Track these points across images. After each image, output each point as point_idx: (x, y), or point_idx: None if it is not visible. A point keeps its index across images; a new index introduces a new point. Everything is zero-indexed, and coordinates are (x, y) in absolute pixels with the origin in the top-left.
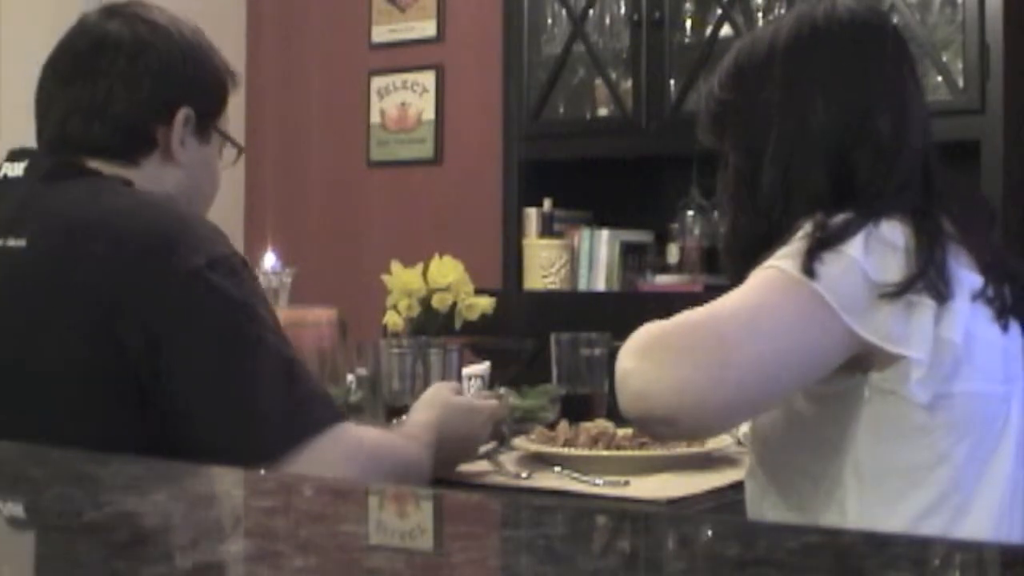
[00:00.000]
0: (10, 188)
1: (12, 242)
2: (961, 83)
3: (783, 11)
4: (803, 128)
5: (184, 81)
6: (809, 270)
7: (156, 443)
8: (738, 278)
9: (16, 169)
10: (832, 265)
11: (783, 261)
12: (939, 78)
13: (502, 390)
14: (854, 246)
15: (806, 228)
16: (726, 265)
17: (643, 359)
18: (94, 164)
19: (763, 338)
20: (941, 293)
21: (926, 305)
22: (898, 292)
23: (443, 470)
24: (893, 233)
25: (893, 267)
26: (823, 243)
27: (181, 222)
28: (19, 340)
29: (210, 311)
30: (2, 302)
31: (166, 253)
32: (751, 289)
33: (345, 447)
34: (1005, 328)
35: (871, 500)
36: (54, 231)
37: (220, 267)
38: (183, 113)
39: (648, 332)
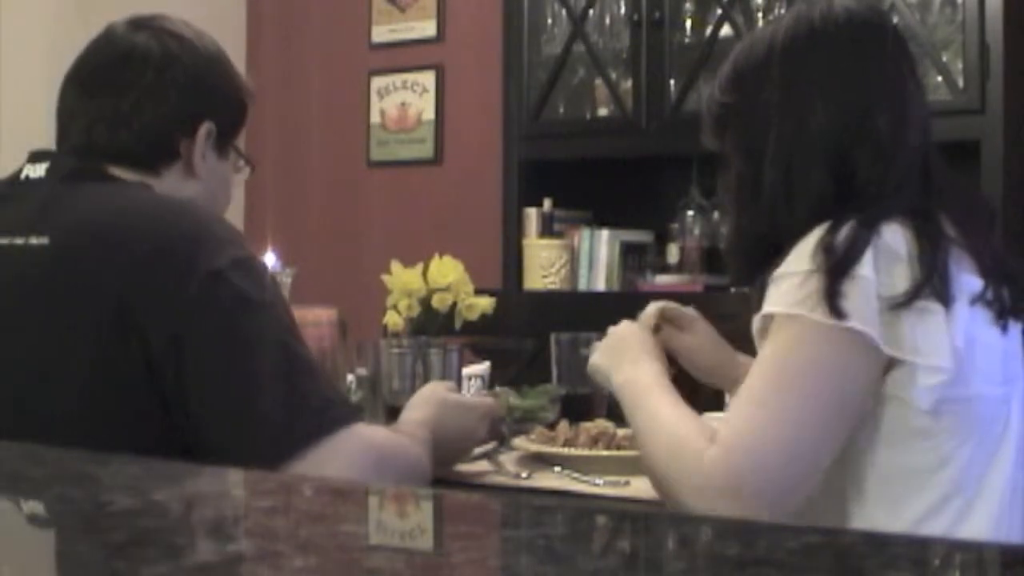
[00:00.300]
0: (32, 188)
1: (35, 240)
2: (961, 83)
3: (783, 11)
4: (802, 129)
5: (209, 96)
6: (837, 310)
7: (167, 445)
8: (742, 280)
9: (38, 170)
10: (854, 297)
11: (809, 310)
12: (939, 78)
13: (498, 389)
14: (865, 266)
15: (815, 256)
16: (730, 267)
17: (726, 503)
18: (116, 171)
19: (816, 412)
20: (945, 298)
21: (935, 311)
22: (905, 301)
23: (439, 468)
24: (896, 240)
25: (899, 277)
26: (836, 272)
27: (202, 223)
28: (41, 337)
29: (231, 312)
30: (25, 299)
31: (188, 254)
32: (787, 361)
33: (356, 448)
34: (1004, 329)
35: (873, 504)
36: (77, 230)
37: (241, 268)
38: (206, 127)
39: (723, 480)
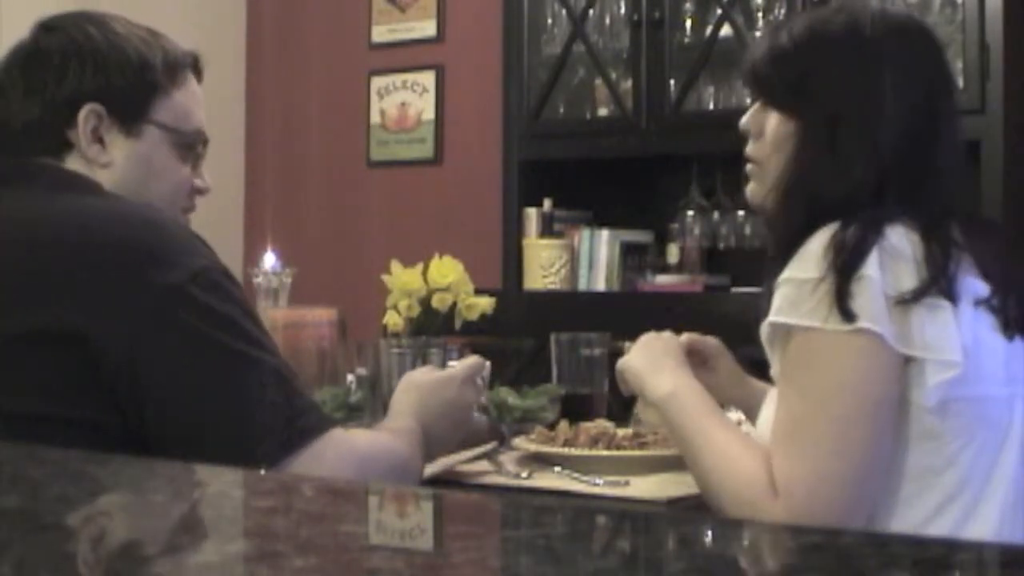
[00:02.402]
0: None
1: None
2: (961, 83)
3: (783, 11)
4: (872, 119)
5: (81, 78)
6: (847, 313)
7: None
8: (782, 247)
9: None
10: (861, 296)
11: (823, 320)
12: None
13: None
14: (870, 266)
15: (823, 260)
16: (779, 218)
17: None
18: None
19: (860, 429)
20: (951, 297)
21: (944, 307)
22: (913, 298)
23: (449, 444)
24: (901, 241)
25: (904, 276)
26: (844, 274)
27: (157, 233)
28: None
29: (193, 329)
30: None
31: (144, 268)
32: (816, 385)
33: (336, 453)
34: (1010, 339)
35: (877, 504)
36: (16, 242)
37: (201, 281)
38: (86, 110)
39: (778, 510)
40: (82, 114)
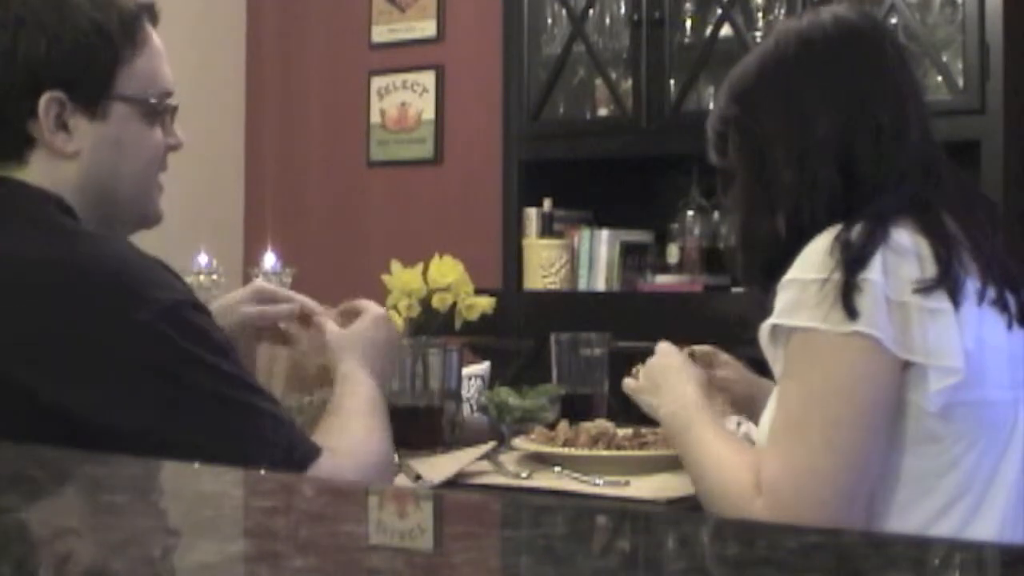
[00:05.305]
0: None
1: None
2: (961, 83)
3: (783, 11)
4: (807, 132)
5: (32, 66)
6: (850, 311)
7: None
8: (759, 286)
9: None
10: (864, 301)
11: (822, 320)
12: (939, 78)
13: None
14: (874, 269)
15: (826, 263)
16: (745, 274)
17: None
18: None
19: (853, 432)
20: (955, 299)
21: (946, 311)
22: (915, 302)
23: (390, 377)
24: (906, 241)
25: (908, 279)
26: (846, 277)
27: (125, 267)
28: None
29: (163, 365)
30: None
31: (113, 305)
32: (813, 386)
33: (330, 475)
34: (1009, 327)
35: (879, 507)
36: None
37: (170, 317)
38: (46, 99)
39: (767, 509)
40: (42, 104)
